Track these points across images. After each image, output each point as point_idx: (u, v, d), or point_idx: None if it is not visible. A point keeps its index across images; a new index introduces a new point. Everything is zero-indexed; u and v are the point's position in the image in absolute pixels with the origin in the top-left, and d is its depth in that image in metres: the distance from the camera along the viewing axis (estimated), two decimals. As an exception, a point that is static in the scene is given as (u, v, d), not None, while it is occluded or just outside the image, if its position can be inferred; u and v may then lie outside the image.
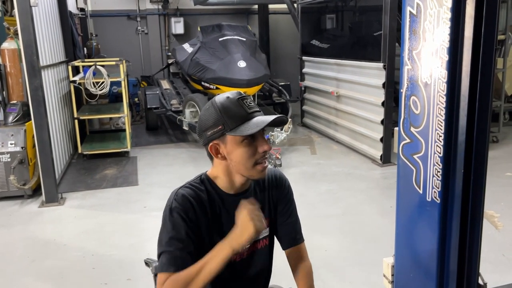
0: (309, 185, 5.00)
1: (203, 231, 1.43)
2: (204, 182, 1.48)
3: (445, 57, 1.17)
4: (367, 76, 5.86)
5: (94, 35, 9.40)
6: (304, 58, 7.93)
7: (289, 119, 6.25)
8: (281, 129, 5.96)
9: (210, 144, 1.42)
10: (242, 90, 5.85)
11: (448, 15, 1.14)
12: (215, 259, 1.31)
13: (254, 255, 1.55)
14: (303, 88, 7.99)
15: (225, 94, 1.42)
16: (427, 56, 1.22)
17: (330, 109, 7.00)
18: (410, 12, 1.24)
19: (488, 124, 1.20)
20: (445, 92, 1.19)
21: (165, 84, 8.45)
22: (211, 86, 6.56)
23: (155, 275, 1.67)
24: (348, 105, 6.42)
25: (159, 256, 1.38)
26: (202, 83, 6.80)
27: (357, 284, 3.04)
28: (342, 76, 6.55)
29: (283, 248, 1.62)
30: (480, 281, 1.35)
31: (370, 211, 4.30)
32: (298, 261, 1.60)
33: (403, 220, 1.41)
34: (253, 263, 1.55)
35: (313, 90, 7.64)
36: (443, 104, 1.20)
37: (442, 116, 1.20)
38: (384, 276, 1.54)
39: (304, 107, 8.06)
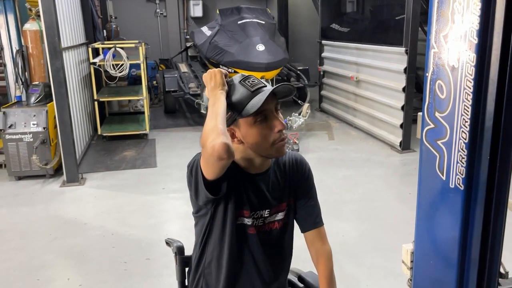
0: (327, 170, 4.98)
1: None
2: None
3: (474, 40, 1.13)
4: (388, 61, 5.75)
5: (113, 18, 9.43)
6: (323, 42, 7.82)
7: (307, 104, 6.20)
8: (299, 114, 5.92)
9: None
10: (260, 74, 5.88)
11: (479, -5, 1.10)
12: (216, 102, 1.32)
13: (266, 235, 1.52)
14: (321, 73, 7.91)
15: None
16: (455, 38, 1.18)
17: (349, 94, 6.92)
18: (439, -7, 1.20)
19: (516, 110, 1.16)
20: (473, 77, 1.15)
21: (183, 67, 8.45)
22: (230, 70, 6.54)
23: (176, 254, 1.70)
24: (368, 90, 6.33)
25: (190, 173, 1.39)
26: (221, 66, 6.77)
27: (374, 269, 3.04)
28: (362, 60, 6.44)
29: (302, 231, 1.62)
30: (501, 270, 1.33)
31: (388, 197, 4.27)
32: (317, 244, 1.60)
33: (424, 206, 1.39)
34: (263, 243, 1.52)
35: (332, 74, 7.55)
36: (470, 88, 1.16)
37: (469, 101, 1.17)
38: (403, 262, 1.52)
39: (323, 92, 7.99)
